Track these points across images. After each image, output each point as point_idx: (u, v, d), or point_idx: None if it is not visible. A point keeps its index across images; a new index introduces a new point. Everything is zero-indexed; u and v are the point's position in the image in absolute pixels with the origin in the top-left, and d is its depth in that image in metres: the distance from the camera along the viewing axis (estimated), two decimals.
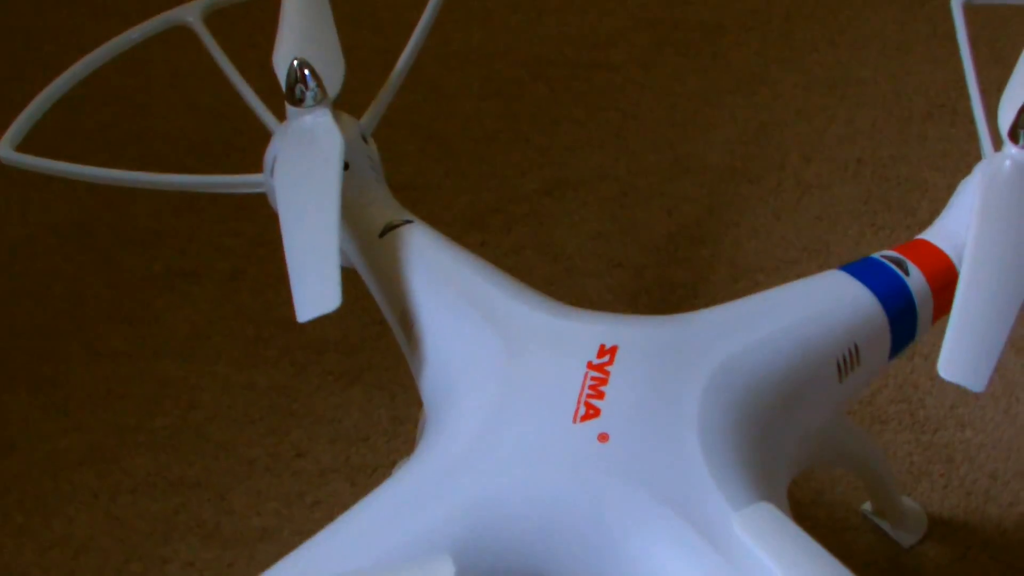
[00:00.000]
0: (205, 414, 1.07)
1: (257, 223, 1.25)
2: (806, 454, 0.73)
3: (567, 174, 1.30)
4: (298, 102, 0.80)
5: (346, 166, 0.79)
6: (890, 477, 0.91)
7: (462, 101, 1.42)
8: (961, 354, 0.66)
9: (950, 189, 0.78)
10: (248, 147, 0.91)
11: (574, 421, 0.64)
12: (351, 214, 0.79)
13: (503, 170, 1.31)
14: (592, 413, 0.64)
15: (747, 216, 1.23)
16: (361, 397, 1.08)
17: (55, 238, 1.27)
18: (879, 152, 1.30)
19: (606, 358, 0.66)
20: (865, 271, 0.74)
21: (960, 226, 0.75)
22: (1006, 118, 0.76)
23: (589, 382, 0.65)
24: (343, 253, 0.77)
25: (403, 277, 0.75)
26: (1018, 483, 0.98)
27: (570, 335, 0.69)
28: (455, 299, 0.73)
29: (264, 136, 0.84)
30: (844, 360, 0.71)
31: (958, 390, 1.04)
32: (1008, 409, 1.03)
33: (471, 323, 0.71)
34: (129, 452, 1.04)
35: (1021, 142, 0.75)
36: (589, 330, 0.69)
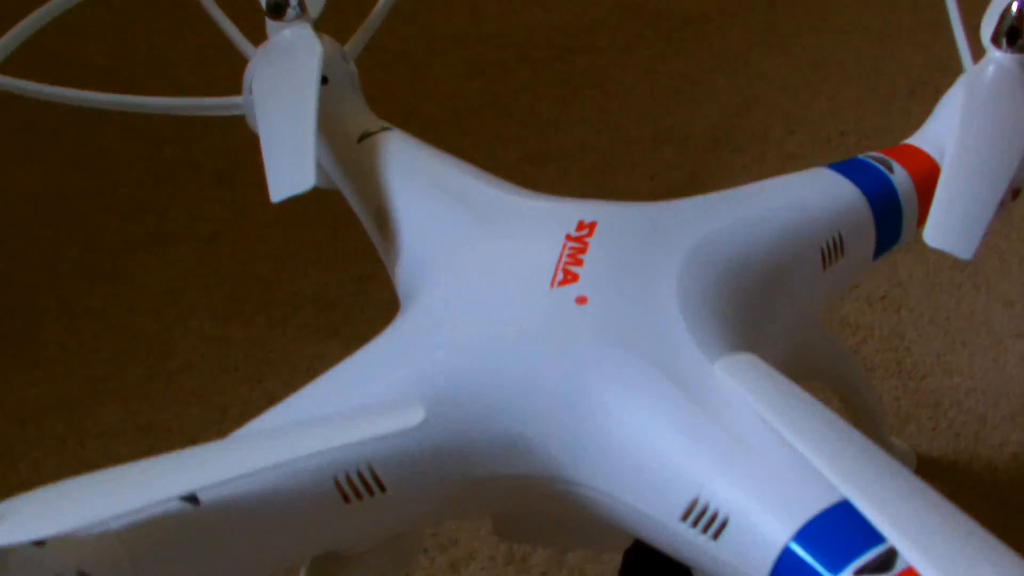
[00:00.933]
0: (178, 364, 1.05)
1: (236, 191, 1.24)
2: (785, 354, 0.72)
3: (549, 145, 1.29)
4: (278, 16, 0.79)
5: (325, 80, 0.78)
6: (875, 404, 0.89)
7: (445, 82, 1.42)
8: (948, 223, 0.65)
9: None
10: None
11: (551, 286, 0.62)
12: (329, 125, 0.78)
13: (484, 141, 1.31)
14: (570, 278, 0.62)
15: (729, 182, 1.21)
16: (339, 348, 1.04)
17: (33, 206, 1.26)
18: (863, 124, 1.30)
19: (585, 231, 0.65)
20: (849, 167, 0.73)
21: (944, 131, 0.74)
22: (987, 29, 0.75)
23: (567, 252, 0.64)
24: (320, 169, 0.76)
25: (379, 174, 0.74)
26: (1008, 426, 0.96)
27: (548, 212, 0.67)
28: (430, 187, 0.72)
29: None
30: (828, 248, 0.70)
31: (944, 339, 1.03)
32: (996, 359, 1.02)
33: (446, 206, 0.69)
34: (99, 401, 1.02)
35: (1004, 47, 0.74)
36: (568, 207, 0.67)
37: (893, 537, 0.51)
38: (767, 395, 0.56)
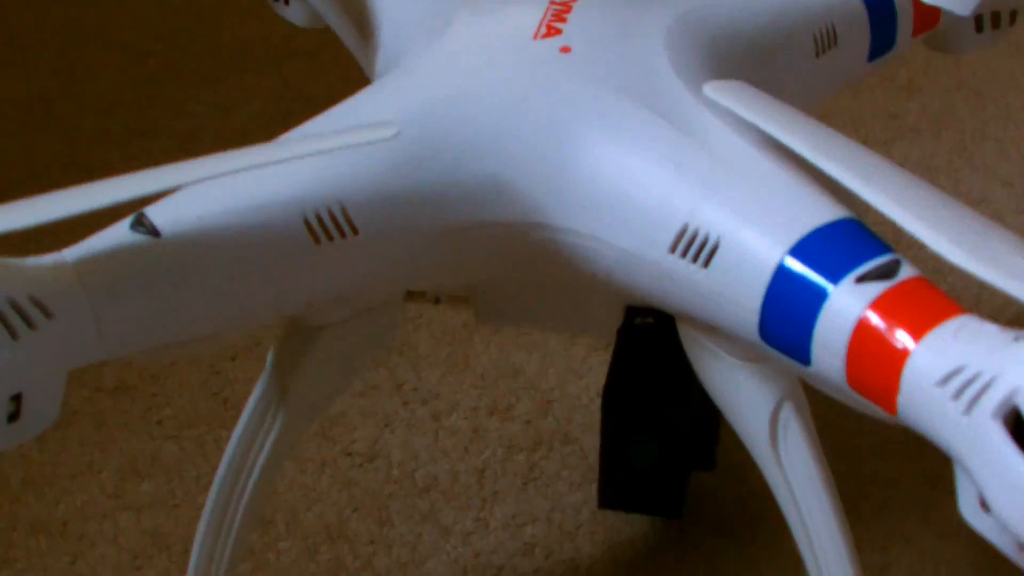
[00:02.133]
0: None
1: (219, 92, 1.22)
2: None
3: None
4: None
5: None
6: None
7: None
8: None
9: None
10: None
11: (534, 39, 0.60)
12: None
13: None
14: (553, 32, 0.60)
15: None
16: None
17: (13, 108, 1.23)
18: None
19: None
20: None
21: None
22: None
23: (551, 13, 0.61)
24: (304, 4, 0.73)
25: None
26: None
27: None
28: None
29: None
30: (820, 35, 0.67)
31: None
32: None
33: None
34: None
35: None
36: None
37: (916, 229, 0.48)
38: (763, 111, 0.54)
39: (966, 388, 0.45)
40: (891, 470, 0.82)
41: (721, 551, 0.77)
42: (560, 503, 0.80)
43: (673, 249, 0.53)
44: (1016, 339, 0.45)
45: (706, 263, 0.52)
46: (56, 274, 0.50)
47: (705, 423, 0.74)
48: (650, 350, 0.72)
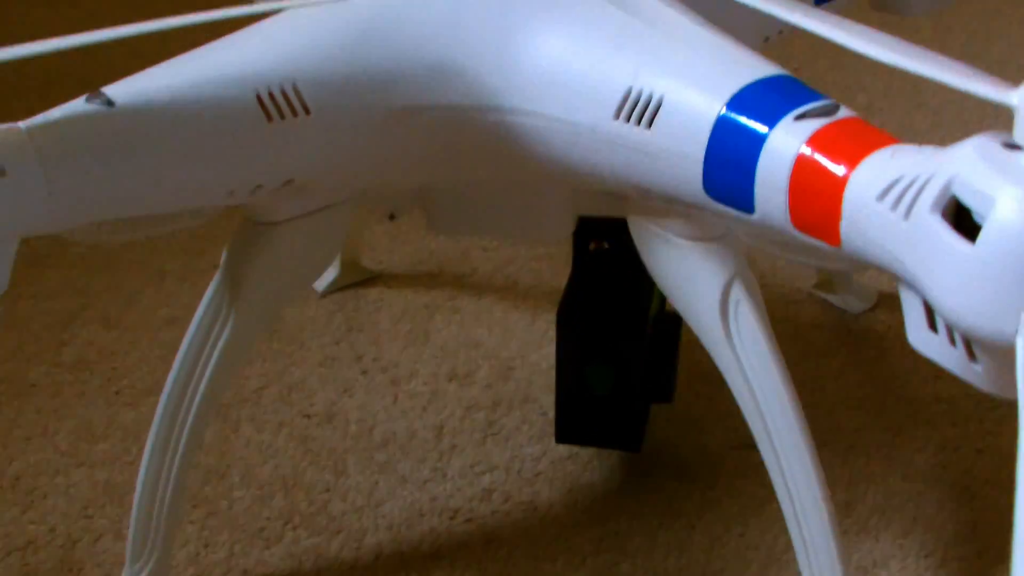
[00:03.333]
0: None
1: None
2: None
3: None
4: None
5: None
6: None
7: None
8: None
9: None
10: None
11: None
12: None
13: None
14: None
15: None
16: None
17: None
18: None
19: None
20: None
21: None
22: None
23: None
24: None
25: None
26: None
27: None
28: None
29: None
30: None
31: None
32: None
33: None
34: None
35: None
36: None
37: (861, 46, 0.49)
38: None
39: (904, 195, 0.46)
40: (854, 421, 0.81)
41: (683, 495, 0.76)
42: (519, 453, 0.79)
43: (618, 114, 0.54)
44: (948, 148, 0.46)
45: (649, 124, 0.53)
46: (8, 136, 0.51)
47: (662, 352, 0.73)
48: (605, 273, 0.72)
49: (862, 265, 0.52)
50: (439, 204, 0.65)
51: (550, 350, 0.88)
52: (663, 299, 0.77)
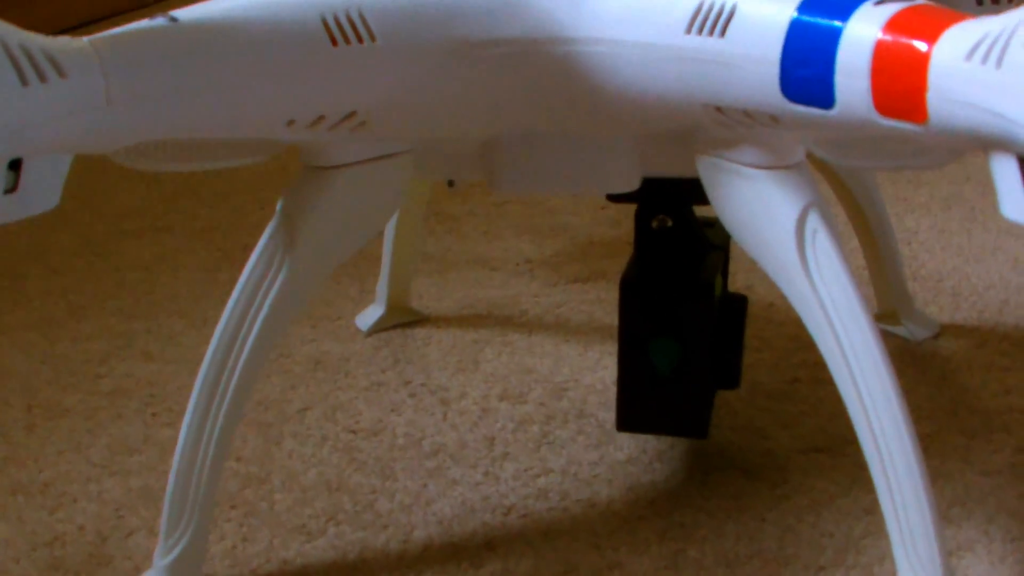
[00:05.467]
0: None
1: None
2: None
3: None
4: None
5: None
6: (893, 238, 0.86)
7: None
8: None
9: None
10: None
11: None
12: None
13: None
14: None
15: None
16: None
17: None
18: None
19: None
20: None
21: None
22: None
23: None
24: None
25: None
26: None
27: None
28: None
29: None
30: None
31: (955, 261, 1.00)
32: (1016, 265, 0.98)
33: None
34: None
35: None
36: None
37: None
38: None
39: (992, 48, 0.45)
40: (926, 428, 0.77)
41: (751, 491, 0.71)
42: (576, 459, 0.75)
43: (690, 28, 0.53)
44: None
45: (723, 32, 0.52)
46: (72, 44, 0.50)
47: (728, 333, 0.70)
48: (668, 250, 0.70)
49: (948, 143, 0.50)
50: (502, 161, 0.63)
51: (605, 373, 0.85)
52: (727, 280, 0.74)
